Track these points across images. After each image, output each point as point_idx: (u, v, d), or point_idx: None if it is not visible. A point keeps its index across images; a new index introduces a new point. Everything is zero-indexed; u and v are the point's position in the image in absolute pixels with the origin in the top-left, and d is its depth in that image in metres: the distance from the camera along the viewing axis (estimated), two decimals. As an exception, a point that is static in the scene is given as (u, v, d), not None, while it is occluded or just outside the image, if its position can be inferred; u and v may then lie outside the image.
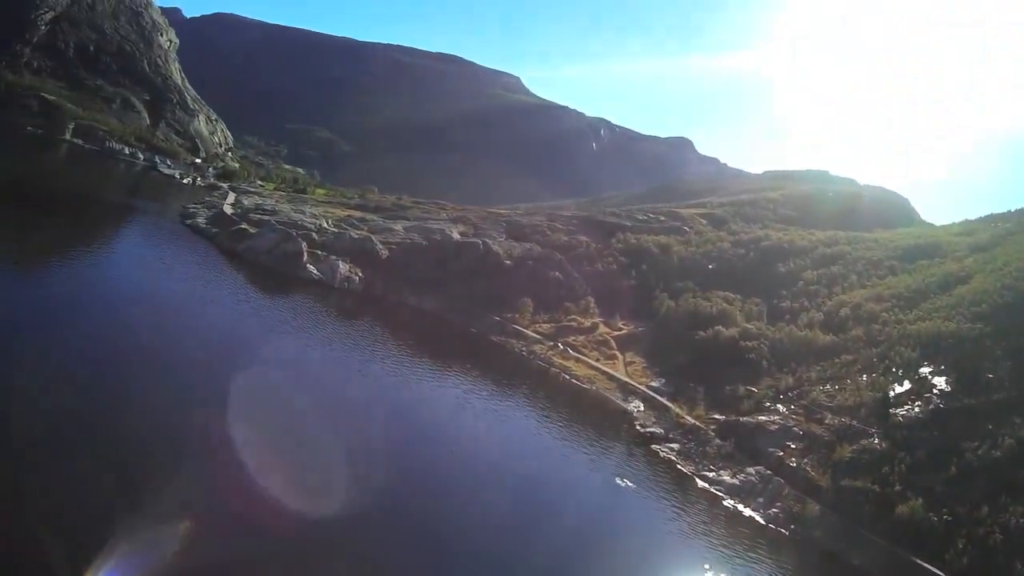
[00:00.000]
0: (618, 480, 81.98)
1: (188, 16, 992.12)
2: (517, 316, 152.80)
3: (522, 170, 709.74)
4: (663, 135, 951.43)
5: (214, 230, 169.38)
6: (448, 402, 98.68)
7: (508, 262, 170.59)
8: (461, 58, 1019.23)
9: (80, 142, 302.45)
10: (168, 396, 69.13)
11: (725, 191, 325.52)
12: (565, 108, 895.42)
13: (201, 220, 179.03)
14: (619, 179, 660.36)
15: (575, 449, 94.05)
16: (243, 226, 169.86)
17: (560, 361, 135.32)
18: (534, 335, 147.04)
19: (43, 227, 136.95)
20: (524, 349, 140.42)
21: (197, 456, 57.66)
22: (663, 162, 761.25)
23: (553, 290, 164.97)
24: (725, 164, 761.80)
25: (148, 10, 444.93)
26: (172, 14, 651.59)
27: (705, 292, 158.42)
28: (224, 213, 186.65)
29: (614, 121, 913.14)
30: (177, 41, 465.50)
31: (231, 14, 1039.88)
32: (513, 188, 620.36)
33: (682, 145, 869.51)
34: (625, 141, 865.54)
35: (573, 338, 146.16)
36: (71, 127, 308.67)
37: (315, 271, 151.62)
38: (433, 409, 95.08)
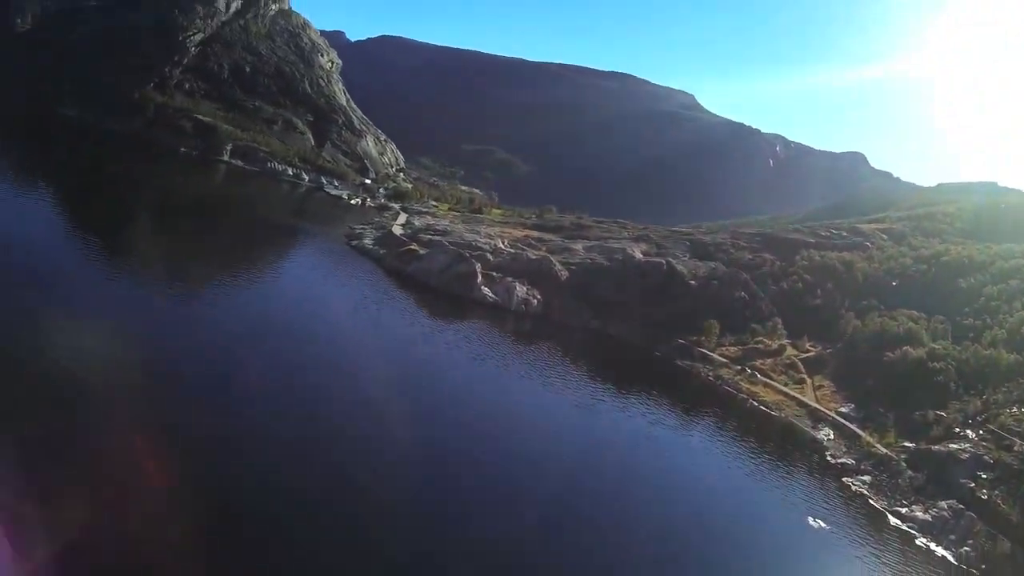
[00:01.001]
0: (811, 520, 77.49)
1: (352, 39, 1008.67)
2: (703, 338, 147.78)
3: (700, 188, 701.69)
4: (836, 150, 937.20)
5: (381, 251, 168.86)
6: (632, 432, 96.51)
7: (693, 282, 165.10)
8: (633, 76, 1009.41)
9: (239, 163, 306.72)
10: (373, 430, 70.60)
11: (900, 205, 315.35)
12: (741, 125, 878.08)
13: (368, 241, 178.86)
14: (796, 195, 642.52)
15: (767, 485, 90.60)
16: (412, 247, 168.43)
17: (748, 386, 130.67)
18: (720, 359, 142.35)
19: (212, 248, 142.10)
20: (710, 374, 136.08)
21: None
22: (838, 177, 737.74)
23: (739, 310, 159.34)
24: (898, 178, 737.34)
25: (306, 31, 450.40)
26: (335, 37, 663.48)
27: (890, 311, 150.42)
28: (393, 234, 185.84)
29: (790, 138, 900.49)
30: (339, 62, 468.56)
31: (396, 36, 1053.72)
32: (692, 206, 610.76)
33: (856, 160, 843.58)
34: (800, 157, 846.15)
35: (760, 361, 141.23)
36: (228, 148, 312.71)
37: (490, 293, 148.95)
38: (618, 442, 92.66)
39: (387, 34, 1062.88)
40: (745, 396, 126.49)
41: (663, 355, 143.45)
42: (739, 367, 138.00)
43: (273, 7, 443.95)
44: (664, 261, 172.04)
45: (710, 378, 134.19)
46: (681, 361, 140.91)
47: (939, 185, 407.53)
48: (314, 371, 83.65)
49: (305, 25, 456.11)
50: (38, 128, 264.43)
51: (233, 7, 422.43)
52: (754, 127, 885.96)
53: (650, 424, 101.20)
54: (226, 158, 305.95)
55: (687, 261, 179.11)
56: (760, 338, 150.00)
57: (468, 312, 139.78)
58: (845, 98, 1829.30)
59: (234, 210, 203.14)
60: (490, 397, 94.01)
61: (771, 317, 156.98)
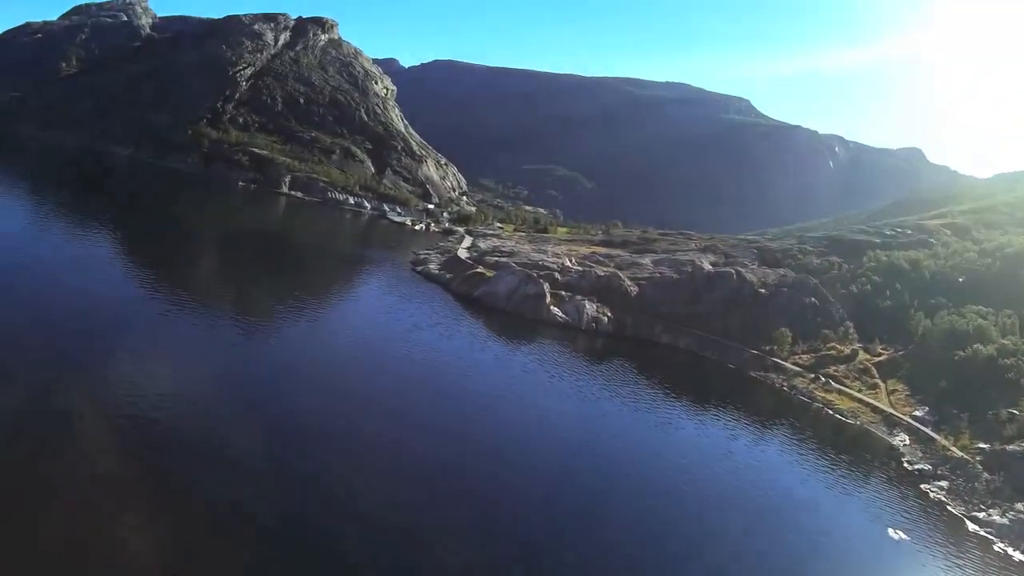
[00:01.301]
0: (891, 532, 77.50)
1: (406, 66, 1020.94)
2: (775, 348, 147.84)
3: (763, 194, 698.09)
4: (893, 147, 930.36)
5: (448, 275, 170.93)
6: (711, 448, 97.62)
7: (763, 291, 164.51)
8: (688, 85, 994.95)
9: (299, 194, 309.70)
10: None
11: (961, 199, 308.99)
12: (798, 127, 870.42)
13: (433, 266, 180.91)
14: (858, 195, 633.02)
15: (846, 495, 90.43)
16: (479, 270, 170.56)
17: (822, 395, 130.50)
18: (793, 367, 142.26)
19: (279, 280, 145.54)
20: (784, 384, 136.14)
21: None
22: (897, 174, 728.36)
23: (809, 317, 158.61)
24: (956, 171, 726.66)
25: (358, 59, 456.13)
26: (388, 65, 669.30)
27: (959, 307, 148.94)
28: (458, 257, 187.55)
29: (848, 138, 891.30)
30: (394, 88, 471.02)
31: (450, 60, 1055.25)
32: (756, 213, 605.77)
33: (913, 155, 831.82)
34: (858, 156, 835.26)
35: (833, 368, 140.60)
36: (287, 180, 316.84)
37: (560, 313, 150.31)
38: (695, 458, 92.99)
39: (439, 58, 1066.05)
40: (820, 405, 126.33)
41: (736, 367, 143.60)
42: (812, 375, 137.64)
43: (323, 37, 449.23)
44: (733, 271, 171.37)
45: (784, 388, 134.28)
46: (755, 372, 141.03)
47: (996, 176, 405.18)
48: (397, 399, 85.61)
49: (356, 54, 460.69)
50: (94, 169, 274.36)
51: (282, 40, 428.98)
52: (811, 128, 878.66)
53: (728, 439, 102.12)
54: (285, 190, 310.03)
55: (755, 269, 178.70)
56: (832, 344, 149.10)
57: (538, 333, 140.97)
58: (901, 89, 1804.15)
59: (298, 241, 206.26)
60: (572, 424, 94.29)
61: (842, 322, 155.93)
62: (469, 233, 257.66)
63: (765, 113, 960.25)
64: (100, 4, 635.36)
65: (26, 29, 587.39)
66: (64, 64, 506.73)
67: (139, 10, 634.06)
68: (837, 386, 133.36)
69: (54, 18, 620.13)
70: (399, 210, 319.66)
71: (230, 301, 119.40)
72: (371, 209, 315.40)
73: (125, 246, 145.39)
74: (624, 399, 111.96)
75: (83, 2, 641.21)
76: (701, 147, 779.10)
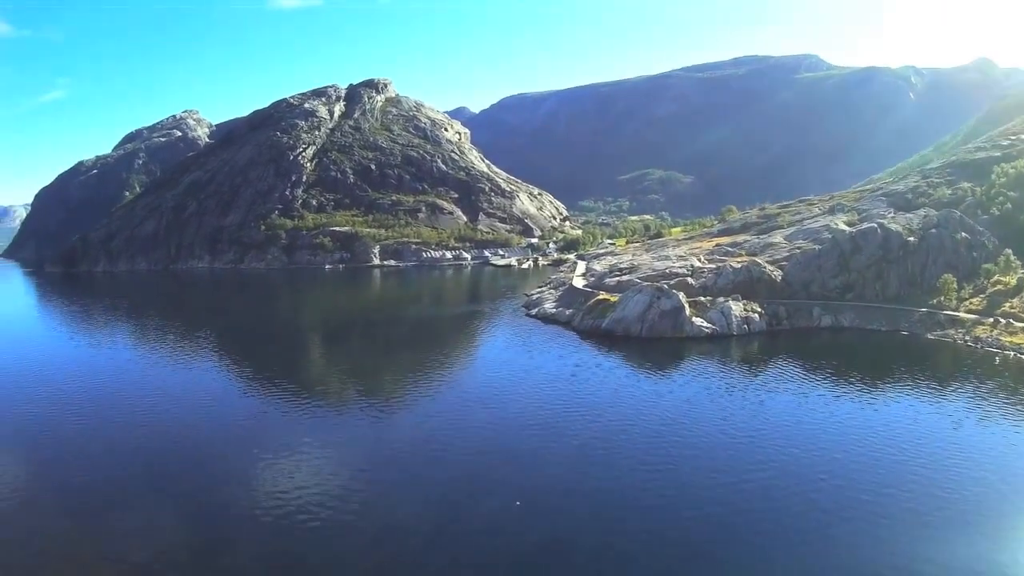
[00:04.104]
0: None
1: (476, 111, 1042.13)
2: (943, 299, 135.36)
3: (857, 142, 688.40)
4: (963, 62, 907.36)
5: (568, 311, 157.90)
6: (918, 432, 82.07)
7: (911, 239, 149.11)
8: (756, 56, 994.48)
9: (392, 262, 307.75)
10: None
11: None
12: (871, 68, 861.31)
13: (549, 305, 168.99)
14: (947, 118, 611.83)
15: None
16: (601, 295, 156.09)
17: (1009, 339, 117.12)
18: (968, 316, 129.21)
19: (394, 357, 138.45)
20: (967, 338, 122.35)
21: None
22: (973, 89, 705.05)
23: (965, 254, 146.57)
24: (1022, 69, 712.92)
25: (421, 111, 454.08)
26: (458, 114, 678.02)
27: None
28: (575, 287, 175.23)
29: (920, 65, 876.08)
30: (467, 131, 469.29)
31: (517, 94, 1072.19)
32: (858, 162, 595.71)
33: (986, 65, 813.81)
34: (935, 80, 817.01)
35: (1008, 304, 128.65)
36: (376, 251, 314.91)
37: (704, 323, 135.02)
38: (912, 450, 76.14)
39: (505, 96, 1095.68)
40: (1012, 352, 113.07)
41: (909, 331, 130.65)
42: (991, 320, 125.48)
43: (379, 98, 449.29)
44: (875, 224, 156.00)
45: (969, 343, 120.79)
46: (932, 334, 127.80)
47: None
48: (574, 468, 75.01)
49: (419, 106, 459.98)
50: (176, 287, 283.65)
51: (337, 111, 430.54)
52: (883, 66, 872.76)
53: (952, 427, 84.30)
54: (377, 261, 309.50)
55: (895, 217, 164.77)
56: (996, 278, 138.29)
57: (685, 352, 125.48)
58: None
59: (401, 314, 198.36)
60: (783, 455, 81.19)
61: (999, 251, 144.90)
62: (580, 258, 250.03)
63: (835, 64, 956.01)
64: (151, 127, 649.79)
65: (79, 169, 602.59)
66: (127, 193, 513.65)
67: (192, 123, 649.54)
68: (1019, 324, 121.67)
69: (108, 151, 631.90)
70: (501, 252, 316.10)
71: (354, 392, 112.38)
72: (472, 259, 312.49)
73: (230, 359, 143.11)
74: (802, 402, 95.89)
75: (134, 128, 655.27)
76: (785, 114, 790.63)
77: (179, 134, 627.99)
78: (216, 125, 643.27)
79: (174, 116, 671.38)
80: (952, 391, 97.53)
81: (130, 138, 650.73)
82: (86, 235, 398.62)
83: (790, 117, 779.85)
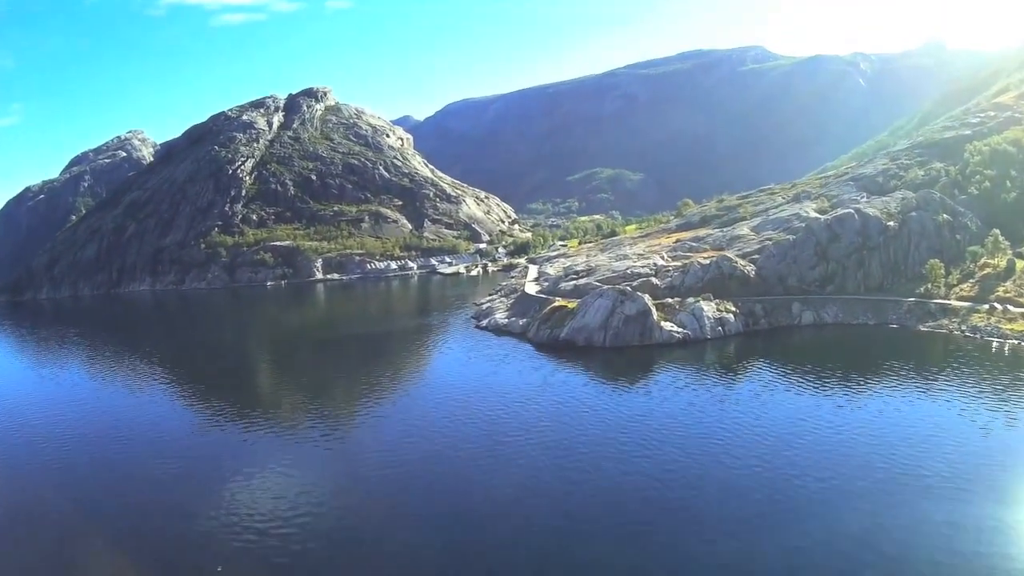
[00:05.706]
0: None
1: (421, 119, 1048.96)
2: (930, 287, 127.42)
3: (812, 130, 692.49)
4: (913, 47, 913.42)
5: (521, 322, 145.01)
6: (916, 433, 73.22)
7: (891, 223, 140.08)
8: (701, 50, 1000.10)
9: (336, 276, 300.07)
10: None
11: (1010, 71, 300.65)
12: (818, 56, 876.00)
13: (501, 316, 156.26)
14: (901, 102, 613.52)
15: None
16: (558, 302, 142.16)
17: (1007, 326, 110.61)
18: (961, 304, 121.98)
19: (343, 377, 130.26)
20: (963, 327, 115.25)
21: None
22: (924, 73, 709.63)
23: (948, 236, 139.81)
24: (980, 51, 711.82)
25: (362, 118, 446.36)
26: (403, 123, 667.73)
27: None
28: (528, 295, 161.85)
29: (868, 51, 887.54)
30: (410, 136, 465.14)
31: (461, 100, 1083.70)
32: (814, 150, 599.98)
33: (935, 49, 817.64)
34: (883, 66, 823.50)
35: (1001, 289, 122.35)
36: (318, 265, 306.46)
37: (675, 328, 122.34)
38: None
39: (449, 103, 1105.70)
40: (1016, 340, 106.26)
41: (899, 323, 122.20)
42: (987, 307, 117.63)
43: (318, 107, 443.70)
44: (852, 210, 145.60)
45: (966, 333, 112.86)
46: (924, 326, 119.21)
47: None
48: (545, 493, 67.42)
49: (359, 113, 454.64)
50: (115, 309, 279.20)
51: (276, 121, 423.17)
52: (831, 54, 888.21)
53: (981, 431, 74.31)
54: (319, 276, 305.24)
55: (870, 202, 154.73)
56: (984, 260, 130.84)
57: (655, 360, 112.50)
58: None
59: (346, 332, 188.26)
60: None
61: (985, 232, 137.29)
62: (532, 262, 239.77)
63: (782, 54, 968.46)
64: (96, 149, 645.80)
65: (26, 195, 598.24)
66: (73, 217, 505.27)
67: (136, 143, 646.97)
68: (1017, 310, 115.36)
69: (56, 175, 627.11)
70: (449, 260, 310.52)
71: (304, 414, 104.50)
72: (418, 268, 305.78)
73: (177, 388, 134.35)
74: (790, 408, 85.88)
75: (79, 151, 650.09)
76: (733, 106, 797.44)
77: (124, 155, 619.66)
78: (160, 144, 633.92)
79: (119, 137, 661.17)
80: (963, 388, 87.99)
81: (76, 161, 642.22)
82: (29, 263, 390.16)
83: (738, 109, 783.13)
